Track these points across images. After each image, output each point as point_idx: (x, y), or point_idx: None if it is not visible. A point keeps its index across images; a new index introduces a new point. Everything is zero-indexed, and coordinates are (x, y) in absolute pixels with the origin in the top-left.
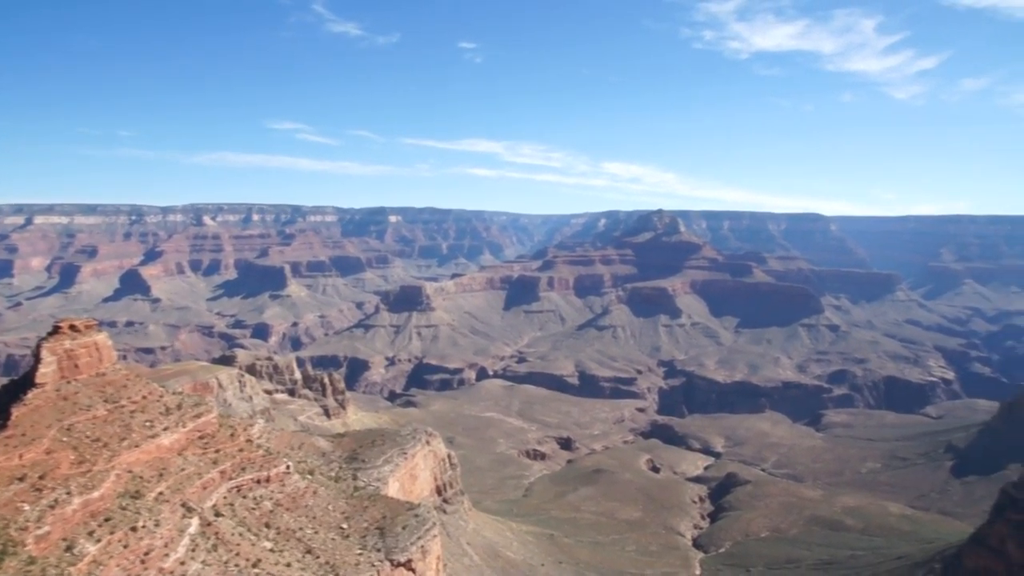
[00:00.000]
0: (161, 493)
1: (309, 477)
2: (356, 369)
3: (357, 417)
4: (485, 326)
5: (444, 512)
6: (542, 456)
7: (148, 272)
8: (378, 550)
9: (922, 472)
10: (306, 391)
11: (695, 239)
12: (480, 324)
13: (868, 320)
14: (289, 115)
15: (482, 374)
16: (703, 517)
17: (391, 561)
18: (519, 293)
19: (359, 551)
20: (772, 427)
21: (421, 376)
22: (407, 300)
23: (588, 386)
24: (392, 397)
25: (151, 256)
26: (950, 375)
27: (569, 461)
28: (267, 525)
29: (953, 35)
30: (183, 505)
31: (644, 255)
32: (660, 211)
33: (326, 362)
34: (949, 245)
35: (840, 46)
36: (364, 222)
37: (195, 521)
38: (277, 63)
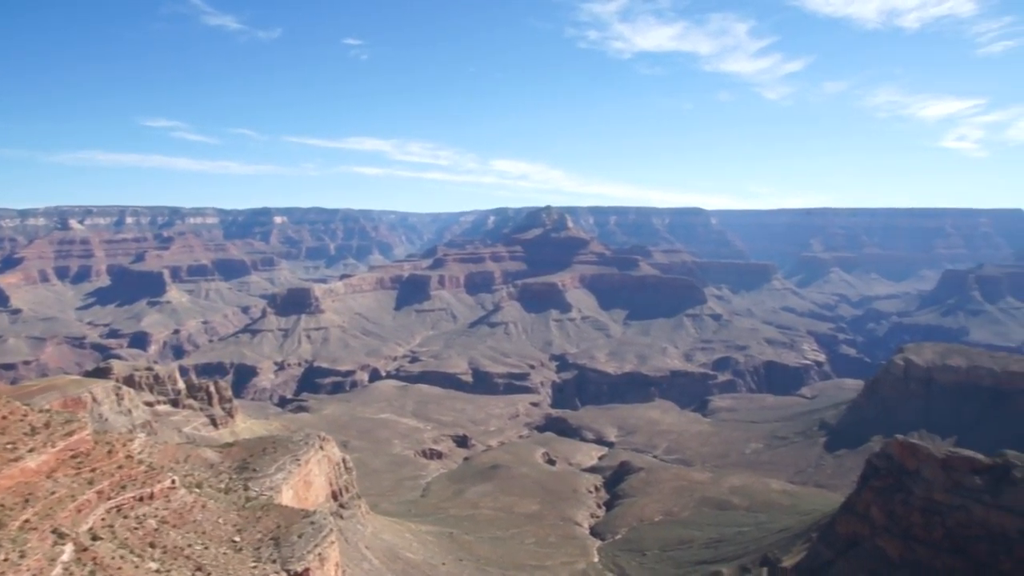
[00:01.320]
0: (27, 520)
1: (197, 491)
2: (244, 376)
3: (246, 425)
4: (376, 327)
5: (341, 517)
6: (438, 455)
7: (5, 281)
8: (273, 561)
9: (799, 449)
10: (191, 401)
11: (583, 234)
12: (371, 325)
13: (748, 308)
14: (164, 112)
15: (375, 375)
16: (599, 506)
17: (288, 571)
18: (410, 292)
19: (253, 564)
20: (662, 415)
21: (312, 380)
22: (295, 303)
23: (482, 383)
24: (282, 403)
25: (8, 263)
26: (822, 357)
27: (466, 459)
28: (152, 545)
29: (816, 41)
30: (54, 531)
31: (533, 251)
32: (548, 207)
33: (211, 370)
34: (817, 236)
35: (716, 48)
36: (248, 223)
37: (69, 548)
38: (150, 57)
